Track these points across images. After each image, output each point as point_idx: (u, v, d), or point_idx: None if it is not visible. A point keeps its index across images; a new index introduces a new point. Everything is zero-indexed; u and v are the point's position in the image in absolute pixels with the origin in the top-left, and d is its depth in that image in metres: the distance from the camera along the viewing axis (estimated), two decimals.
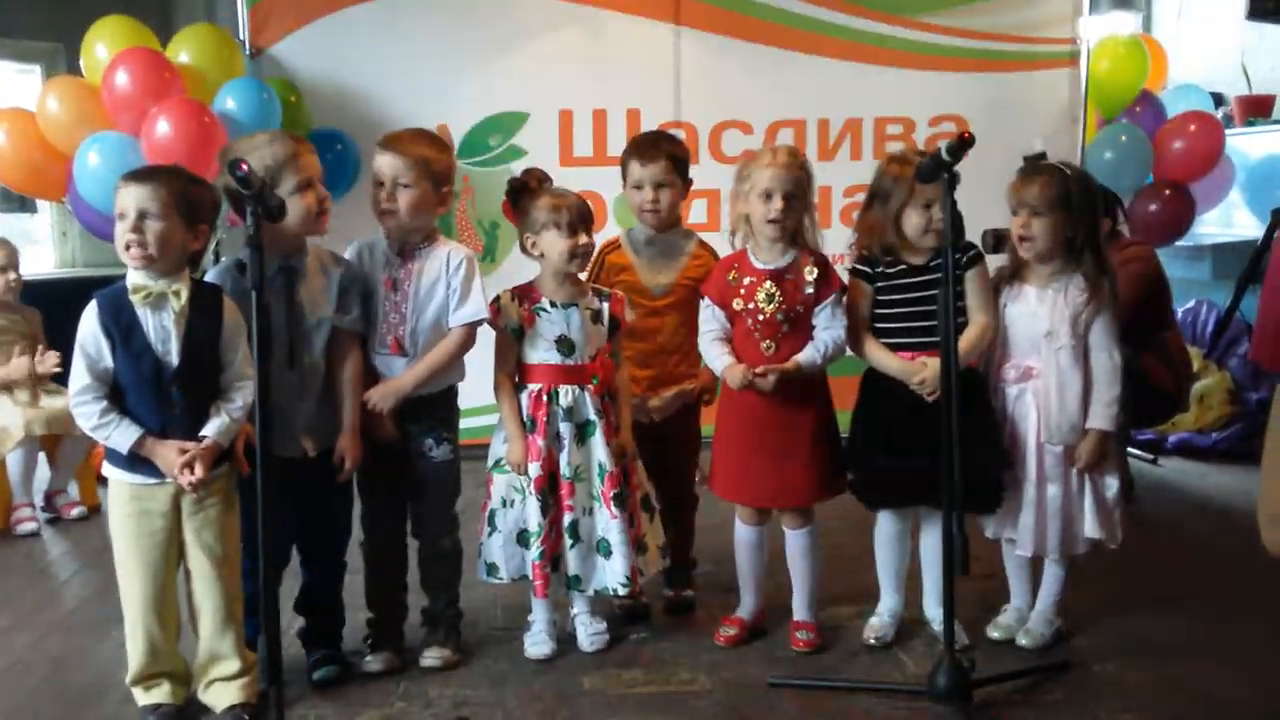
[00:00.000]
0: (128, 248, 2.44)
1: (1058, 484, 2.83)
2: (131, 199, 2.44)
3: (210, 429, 2.51)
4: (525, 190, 2.89)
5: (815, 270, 2.83)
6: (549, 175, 2.95)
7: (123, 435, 2.45)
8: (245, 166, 2.17)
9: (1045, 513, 2.83)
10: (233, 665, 2.60)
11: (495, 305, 2.87)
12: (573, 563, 2.86)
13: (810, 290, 2.83)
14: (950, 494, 2.47)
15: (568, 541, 2.85)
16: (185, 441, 2.48)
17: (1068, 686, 2.71)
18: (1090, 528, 2.83)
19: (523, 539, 2.87)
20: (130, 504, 2.52)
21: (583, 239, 2.82)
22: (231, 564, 2.59)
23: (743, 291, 2.86)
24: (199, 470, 2.46)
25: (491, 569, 2.91)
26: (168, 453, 2.47)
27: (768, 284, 2.83)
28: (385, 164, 2.79)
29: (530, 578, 2.86)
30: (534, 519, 2.83)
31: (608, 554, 2.86)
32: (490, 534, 2.91)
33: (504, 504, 2.89)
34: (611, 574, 2.86)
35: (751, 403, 2.85)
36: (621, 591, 2.89)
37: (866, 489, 2.93)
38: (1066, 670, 2.78)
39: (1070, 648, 2.91)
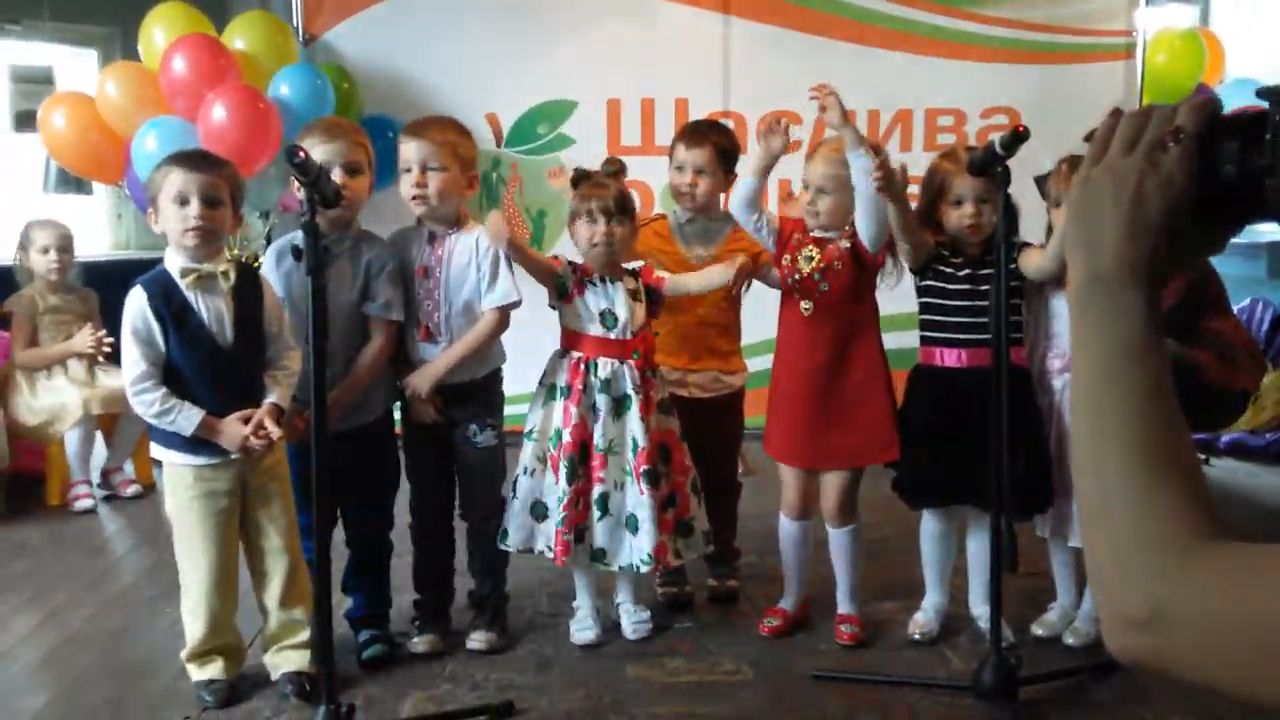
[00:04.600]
0: (191, 231, 2.48)
1: None
2: (195, 185, 2.49)
3: (272, 397, 2.57)
4: (585, 177, 2.92)
5: (851, 241, 2.84)
6: (624, 166, 2.98)
7: (186, 420, 2.50)
8: (302, 154, 2.20)
9: None
10: (306, 632, 2.67)
11: (557, 259, 2.94)
12: (599, 535, 2.85)
13: (846, 245, 2.83)
14: (999, 491, 2.46)
15: (595, 514, 2.84)
16: (245, 411, 2.54)
17: (1115, 687, 2.68)
18: None
19: (536, 510, 2.87)
20: (195, 486, 2.57)
21: (602, 228, 2.82)
22: (295, 534, 2.67)
23: (791, 248, 2.90)
24: (273, 429, 2.51)
25: (503, 535, 2.91)
26: (231, 428, 2.51)
27: (810, 247, 2.86)
28: (413, 150, 2.82)
29: (548, 549, 2.85)
30: (560, 486, 2.82)
31: (635, 530, 2.85)
32: (511, 499, 2.90)
33: (525, 472, 2.88)
34: (637, 550, 2.85)
35: (803, 365, 2.89)
36: (644, 569, 2.87)
37: (910, 487, 2.92)
38: (1115, 670, 2.75)
39: None
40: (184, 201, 2.50)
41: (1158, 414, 0.77)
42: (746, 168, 2.95)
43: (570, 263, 2.92)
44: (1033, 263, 2.76)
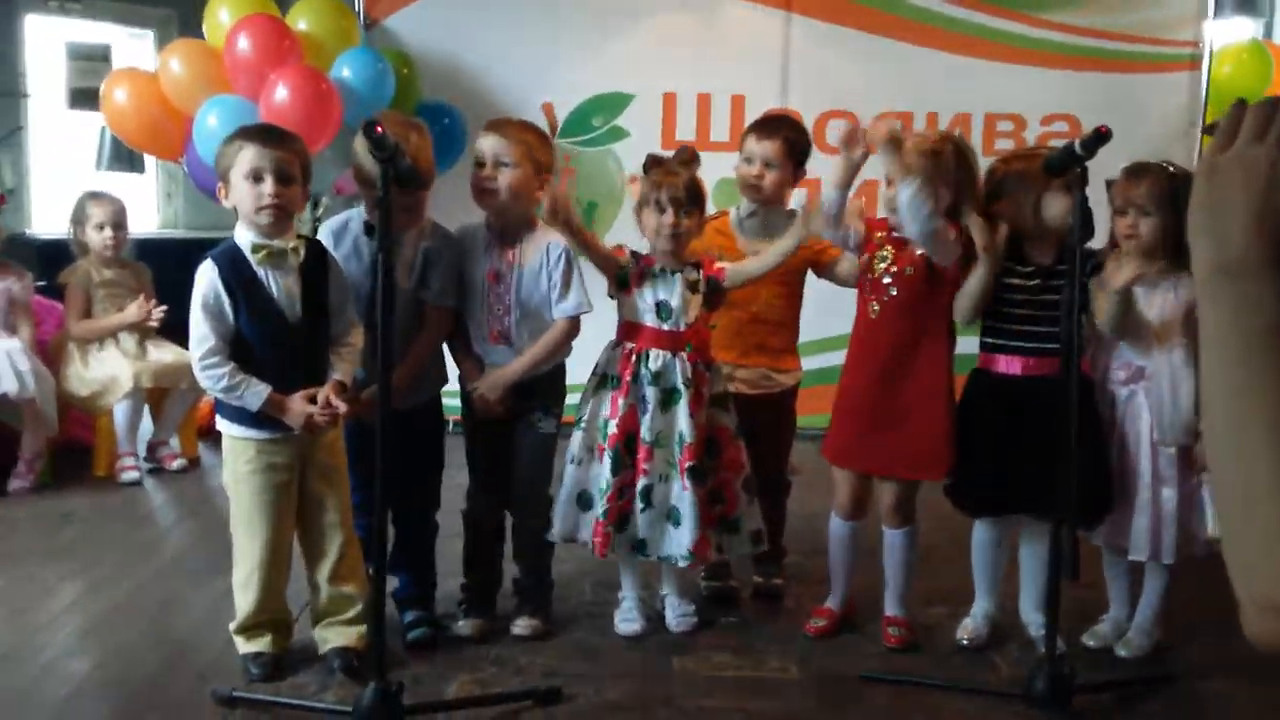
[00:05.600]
0: (265, 208, 2.48)
1: (1172, 486, 2.74)
2: (269, 161, 2.48)
3: (336, 373, 2.58)
4: (656, 164, 2.90)
5: None
6: (697, 155, 2.93)
7: (253, 395, 2.50)
8: (381, 129, 2.19)
9: (1161, 515, 2.75)
10: (356, 608, 2.68)
11: (620, 249, 2.91)
12: (641, 526, 2.83)
13: (920, 252, 2.78)
14: (1065, 498, 2.42)
15: (639, 505, 2.82)
16: (310, 389, 2.54)
17: (1168, 700, 2.64)
18: (1214, 525, 2.75)
19: (582, 500, 2.87)
20: (257, 459, 2.57)
21: (670, 218, 2.80)
22: (349, 511, 2.68)
23: (872, 247, 2.87)
24: (339, 404, 2.51)
25: (547, 525, 2.90)
26: (296, 405, 2.52)
27: (888, 248, 2.83)
28: (488, 144, 2.81)
29: (588, 538, 2.85)
30: (604, 476, 2.81)
31: (677, 524, 2.82)
32: (557, 490, 2.90)
33: (573, 461, 2.88)
34: (677, 544, 2.82)
35: (865, 367, 2.86)
36: (683, 563, 2.85)
37: (966, 495, 2.88)
38: (1171, 683, 2.71)
39: (1173, 660, 2.83)
40: (258, 178, 2.49)
41: None
42: (828, 180, 2.84)
43: (634, 253, 2.90)
44: (1102, 314, 2.72)
